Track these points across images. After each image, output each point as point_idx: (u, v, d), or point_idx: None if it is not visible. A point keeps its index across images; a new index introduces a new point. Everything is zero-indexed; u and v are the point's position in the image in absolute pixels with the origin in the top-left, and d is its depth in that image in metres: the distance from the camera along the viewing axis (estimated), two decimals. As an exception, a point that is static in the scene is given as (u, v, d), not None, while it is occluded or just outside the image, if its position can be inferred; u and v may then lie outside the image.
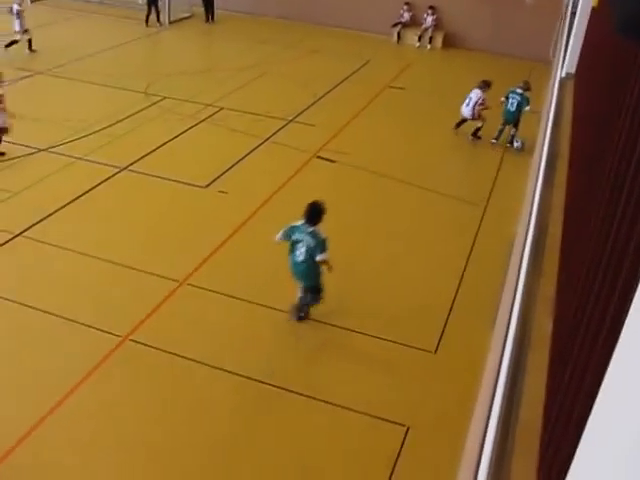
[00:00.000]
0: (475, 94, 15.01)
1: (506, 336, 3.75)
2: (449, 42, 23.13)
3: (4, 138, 12.91)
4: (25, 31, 18.76)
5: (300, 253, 8.57)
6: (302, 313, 8.95)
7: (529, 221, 4.53)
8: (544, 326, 3.55)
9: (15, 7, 18.71)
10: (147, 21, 23.01)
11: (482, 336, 8.74)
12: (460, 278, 10.13)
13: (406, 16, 23.41)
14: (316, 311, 9.03)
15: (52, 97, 16.36)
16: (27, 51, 18.93)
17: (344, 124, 15.37)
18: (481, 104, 14.88)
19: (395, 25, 23.39)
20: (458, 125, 15.31)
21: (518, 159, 14.14)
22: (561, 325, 3.18)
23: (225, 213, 11.51)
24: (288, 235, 8.66)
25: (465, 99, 15.08)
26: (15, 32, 18.64)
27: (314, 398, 7.73)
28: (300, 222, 8.61)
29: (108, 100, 16.08)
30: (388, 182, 12.86)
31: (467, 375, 8.26)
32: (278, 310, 9.08)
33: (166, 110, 15.59)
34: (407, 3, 23.33)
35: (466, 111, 15.08)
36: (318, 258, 8.45)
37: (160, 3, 23.06)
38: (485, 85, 15.10)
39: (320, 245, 8.43)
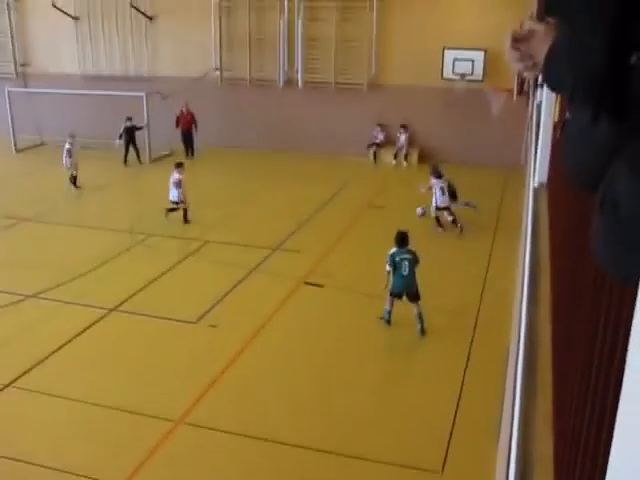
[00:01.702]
0: (438, 183, 16.65)
1: (509, 456, 3.70)
2: (425, 157, 23.78)
3: None
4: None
5: (405, 268, 11.37)
6: (422, 324, 11.39)
7: (519, 336, 4.55)
8: (545, 444, 3.52)
9: (66, 146, 20.40)
10: (125, 160, 23.66)
11: (488, 450, 8.62)
12: (459, 391, 10.03)
13: (380, 136, 24.18)
14: (316, 439, 8.88)
15: (39, 243, 16.51)
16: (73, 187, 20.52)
17: (329, 247, 15.58)
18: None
19: (370, 146, 24.12)
20: (439, 222, 16.40)
21: (506, 263, 14.30)
22: (561, 443, 3.15)
23: (217, 347, 11.45)
24: (393, 260, 11.39)
25: (435, 192, 16.47)
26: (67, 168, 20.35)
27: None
28: (394, 249, 11.51)
29: (94, 242, 16.27)
30: (378, 302, 12.89)
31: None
32: (274, 442, 8.90)
33: (151, 247, 15.77)
34: (380, 124, 24.14)
35: (444, 200, 16.47)
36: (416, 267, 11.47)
37: (138, 143, 23.75)
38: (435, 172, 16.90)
39: (416, 259, 11.54)
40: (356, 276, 14.07)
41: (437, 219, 16.83)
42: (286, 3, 24.18)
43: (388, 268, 11.38)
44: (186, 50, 25.72)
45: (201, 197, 19.13)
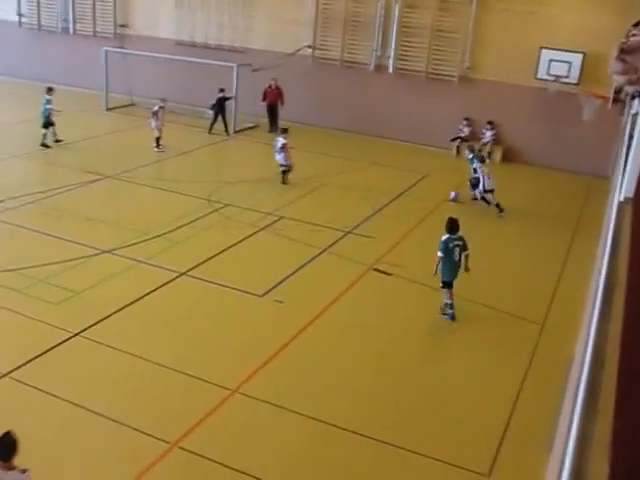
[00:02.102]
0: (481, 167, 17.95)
1: (560, 475, 3.66)
2: (508, 157, 23.40)
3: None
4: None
5: (456, 254, 11.72)
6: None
7: (584, 351, 4.46)
8: (600, 469, 3.46)
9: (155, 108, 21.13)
10: (210, 130, 23.99)
11: (538, 460, 8.51)
12: (516, 396, 9.92)
13: (465, 131, 23.86)
14: (368, 426, 8.95)
15: (119, 200, 16.99)
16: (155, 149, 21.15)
17: (401, 237, 15.52)
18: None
19: (454, 139, 23.84)
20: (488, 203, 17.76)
21: (580, 272, 14.03)
22: (617, 471, 3.10)
23: (280, 322, 11.59)
24: (446, 246, 11.65)
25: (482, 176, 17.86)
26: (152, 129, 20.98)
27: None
28: (445, 236, 11.73)
29: (172, 205, 16.62)
30: (442, 297, 12.82)
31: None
32: (326, 423, 8.99)
33: (227, 217, 16.00)
34: (466, 118, 23.81)
35: (490, 184, 17.80)
36: (466, 252, 11.84)
37: (227, 114, 24.09)
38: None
39: (466, 245, 11.84)
40: (426, 269, 13.93)
41: (485, 200, 17.98)
42: (386, -13, 24.03)
43: (440, 254, 11.66)
44: (281, 25, 25.82)
45: (274, 172, 19.26)
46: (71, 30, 29.69)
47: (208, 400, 9.30)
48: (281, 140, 18.81)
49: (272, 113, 24.84)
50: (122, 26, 28.83)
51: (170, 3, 27.56)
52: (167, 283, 12.57)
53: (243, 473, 8.02)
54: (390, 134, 24.67)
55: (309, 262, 13.90)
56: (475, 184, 18.26)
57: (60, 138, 20.96)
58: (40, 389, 9.22)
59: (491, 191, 17.90)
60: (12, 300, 11.43)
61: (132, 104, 26.91)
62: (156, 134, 21.00)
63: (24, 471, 5.98)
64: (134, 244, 14.09)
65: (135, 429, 8.61)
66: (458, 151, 23.77)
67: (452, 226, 11.83)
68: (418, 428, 9.19)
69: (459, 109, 23.87)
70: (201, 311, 11.88)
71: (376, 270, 13.78)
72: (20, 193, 16.39)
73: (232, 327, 11.40)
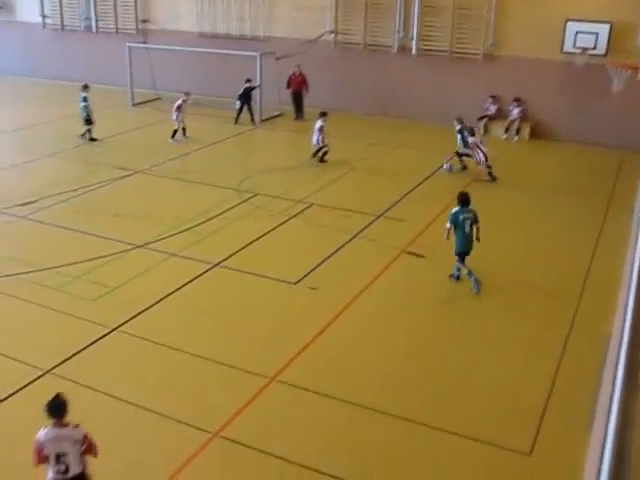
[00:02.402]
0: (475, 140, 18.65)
1: (603, 451, 3.63)
2: (537, 133, 23.15)
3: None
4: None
5: (467, 226, 12.13)
6: (476, 279, 12.21)
7: (623, 328, 4.42)
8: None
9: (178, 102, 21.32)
10: (237, 120, 24.06)
11: (579, 437, 8.48)
12: (554, 376, 9.86)
13: (492, 109, 23.62)
14: (405, 409, 8.97)
15: (149, 195, 17.11)
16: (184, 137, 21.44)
17: (432, 218, 15.44)
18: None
19: (481, 118, 23.61)
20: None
21: (615, 248, 13.90)
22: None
23: (315, 309, 11.63)
24: (456, 218, 12.12)
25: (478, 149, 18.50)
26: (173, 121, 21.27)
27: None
28: (456, 208, 12.24)
29: (201, 197, 16.71)
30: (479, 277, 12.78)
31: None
32: (362, 407, 9.02)
33: (257, 207, 16.05)
34: (493, 96, 23.58)
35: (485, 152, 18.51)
36: (477, 225, 12.26)
37: (253, 103, 24.13)
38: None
39: (477, 218, 12.25)
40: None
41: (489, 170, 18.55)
42: (406, -33, 23.81)
43: (449, 225, 12.17)
44: (302, 12, 25.73)
45: (307, 160, 19.29)
46: (94, 28, 29.89)
47: (246, 389, 9.38)
48: (319, 122, 19.30)
49: (297, 100, 24.82)
50: (144, 21, 28.93)
51: (191, -3, 27.64)
52: (201, 275, 12.67)
53: (283, 459, 8.10)
54: (415, 116, 24.53)
55: (341, 248, 13.91)
56: (462, 155, 19.03)
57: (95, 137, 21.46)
58: (82, 384, 9.36)
59: (486, 159, 18.50)
60: (50, 298, 11.59)
61: (157, 98, 27.05)
62: (175, 126, 21.18)
63: (76, 426, 6.78)
64: (166, 238, 14.20)
65: (176, 420, 8.71)
66: (486, 130, 23.56)
67: (463, 199, 12.29)
68: (454, 408, 9.18)
69: (485, 87, 23.64)
70: (235, 301, 11.95)
71: (409, 253, 13.75)
72: (52, 192, 16.59)
73: (267, 316, 11.46)
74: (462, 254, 12.27)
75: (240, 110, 24.05)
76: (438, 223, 15.26)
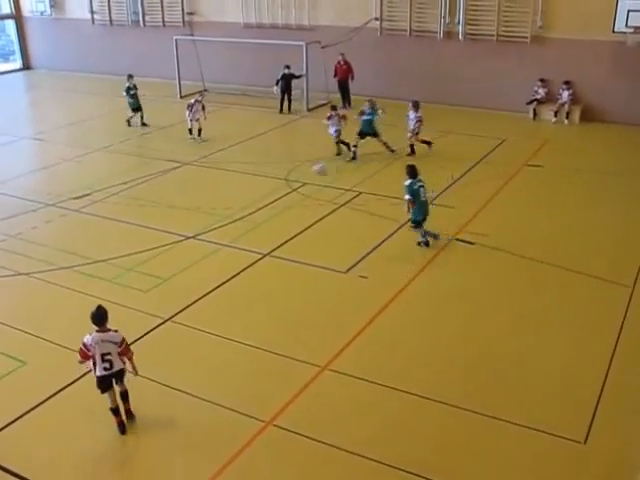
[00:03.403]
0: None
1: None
2: (587, 116, 22.70)
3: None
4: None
5: (423, 194, 13.09)
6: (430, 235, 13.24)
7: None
8: None
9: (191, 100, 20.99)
10: (281, 109, 24.14)
11: (635, 426, 8.34)
12: (608, 364, 9.69)
13: (541, 92, 23.22)
14: (458, 396, 8.94)
15: (198, 186, 17.27)
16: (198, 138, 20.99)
17: (482, 205, 15.29)
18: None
19: (530, 102, 23.24)
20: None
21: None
22: None
23: (366, 298, 11.61)
24: (412, 189, 13.00)
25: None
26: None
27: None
28: (409, 180, 13.10)
29: (251, 187, 16.82)
30: (528, 263, 12.62)
31: (622, 469, 7.87)
32: (415, 395, 9.00)
33: (306, 196, 16.08)
34: (542, 80, 23.17)
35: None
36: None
37: (293, 93, 24.18)
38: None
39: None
40: (509, 236, 13.77)
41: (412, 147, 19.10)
42: (451, -49, 23.52)
43: (408, 197, 12.99)
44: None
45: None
46: (141, 22, 30.23)
47: (299, 378, 9.43)
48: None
49: (343, 88, 24.74)
50: (190, 14, 29.13)
51: (235, -14, 27.74)
52: (252, 265, 12.76)
53: (337, 448, 8.12)
54: (463, 101, 24.26)
55: (391, 236, 13.86)
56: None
57: (146, 122, 22.54)
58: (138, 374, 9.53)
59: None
60: (104, 290, 11.78)
61: (205, 90, 27.25)
62: (188, 125, 20.94)
63: (116, 331, 8.26)
64: (217, 228, 14.33)
65: (230, 409, 8.80)
66: (535, 114, 23.20)
67: (412, 171, 13.21)
68: (508, 396, 9.08)
69: (533, 71, 23.22)
70: (286, 290, 12.01)
71: (458, 240, 13.65)
72: (104, 185, 16.88)
73: (318, 305, 11.49)
74: (420, 222, 13.19)
75: (282, 99, 24.11)
76: (488, 210, 15.16)
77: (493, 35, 23.59)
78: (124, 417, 8.55)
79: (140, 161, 19.26)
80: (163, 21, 29.76)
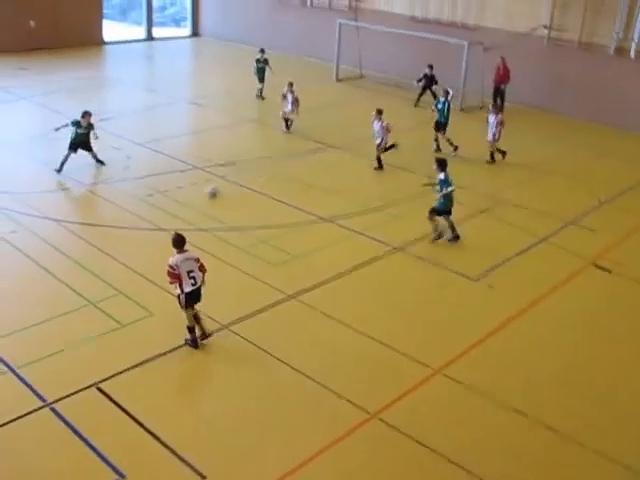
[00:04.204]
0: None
1: None
2: None
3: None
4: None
5: (452, 187, 13.29)
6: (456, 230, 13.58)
7: None
8: None
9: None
10: (417, 102, 24.09)
11: None
12: None
13: None
14: (571, 426, 8.63)
15: (340, 170, 17.40)
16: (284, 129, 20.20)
17: (626, 234, 14.63)
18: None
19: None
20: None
21: None
22: None
23: (491, 308, 11.43)
24: (449, 181, 13.31)
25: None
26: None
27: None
28: (442, 174, 13.38)
29: (391, 179, 16.87)
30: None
31: None
32: (525, 415, 8.77)
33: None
34: None
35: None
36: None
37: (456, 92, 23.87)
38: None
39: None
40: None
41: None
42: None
43: (451, 188, 13.31)
44: (516, 3, 25.02)
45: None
46: (308, 2, 30.66)
47: (411, 376, 9.42)
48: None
49: (498, 93, 24.17)
50: (357, 0, 29.28)
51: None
52: (382, 257, 12.79)
53: (436, 452, 8.08)
54: (624, 124, 23.09)
55: (526, 250, 13.51)
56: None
57: (264, 96, 23.34)
58: (254, 343, 9.82)
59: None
60: (236, 257, 12.16)
61: (361, 76, 27.39)
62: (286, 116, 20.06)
63: (191, 252, 9.56)
64: (353, 215, 14.42)
65: (338, 395, 8.91)
66: None
67: (443, 164, 13.44)
68: (623, 436, 8.70)
69: None
70: (412, 288, 11.99)
71: (596, 266, 13.13)
72: (251, 156, 17.37)
73: (443, 307, 11.41)
74: (446, 213, 13.43)
75: (422, 93, 24.02)
76: (632, 238, 14.48)
77: (670, 57, 22.35)
78: (198, 335, 9.69)
79: (289, 138, 19.62)
80: (330, 3, 30.05)
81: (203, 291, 9.59)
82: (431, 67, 23.81)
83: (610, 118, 23.41)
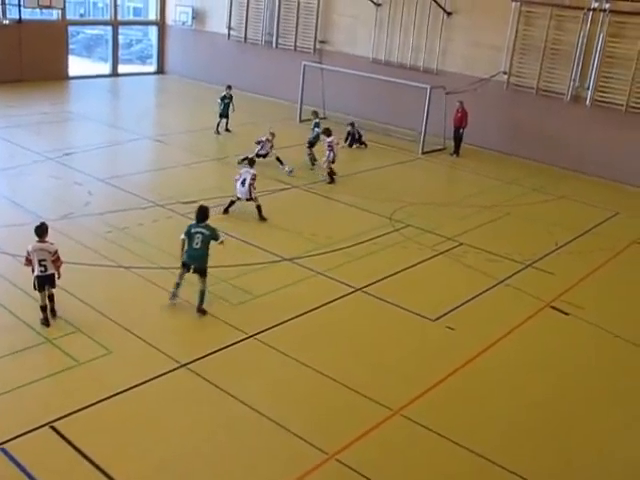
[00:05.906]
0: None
1: None
2: None
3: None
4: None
5: (198, 241, 11.65)
6: (202, 301, 11.81)
7: None
8: None
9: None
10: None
11: None
12: None
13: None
14: (530, 469, 8.66)
15: (303, 211, 17.52)
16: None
17: (584, 276, 14.87)
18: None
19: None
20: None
21: None
22: None
23: (450, 349, 11.46)
24: (189, 232, 11.73)
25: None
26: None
27: None
28: (193, 222, 11.92)
29: (354, 220, 16.97)
30: (622, 345, 12.18)
31: None
32: (484, 458, 8.78)
33: (407, 238, 16.05)
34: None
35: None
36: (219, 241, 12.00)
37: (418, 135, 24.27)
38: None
39: (213, 236, 11.84)
40: (606, 313, 13.32)
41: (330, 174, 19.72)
42: (590, 16, 23.10)
43: (183, 236, 11.80)
44: (478, 49, 25.62)
45: (462, 199, 19.08)
46: (274, 44, 31.11)
47: (369, 417, 9.38)
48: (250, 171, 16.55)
49: (456, 136, 24.61)
50: (322, 42, 29.79)
51: (371, 24, 28.15)
52: (342, 297, 12.82)
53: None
54: (582, 168, 23.68)
55: (485, 292, 13.65)
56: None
57: (230, 129, 24.51)
58: (212, 382, 9.73)
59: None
60: (195, 296, 12.05)
61: (324, 118, 27.66)
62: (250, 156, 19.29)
63: (52, 243, 10.69)
64: (315, 255, 14.47)
65: (294, 434, 8.84)
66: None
67: (200, 214, 11.92)
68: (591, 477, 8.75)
69: (661, 147, 22.51)
70: (372, 328, 12.00)
71: (553, 308, 13.32)
72: (213, 195, 17.33)
73: (401, 348, 11.42)
74: (185, 266, 11.81)
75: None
76: (588, 282, 14.72)
77: (623, 105, 22.98)
78: (49, 314, 10.84)
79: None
80: (295, 45, 30.53)
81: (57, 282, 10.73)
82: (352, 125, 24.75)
83: (568, 162, 23.99)
